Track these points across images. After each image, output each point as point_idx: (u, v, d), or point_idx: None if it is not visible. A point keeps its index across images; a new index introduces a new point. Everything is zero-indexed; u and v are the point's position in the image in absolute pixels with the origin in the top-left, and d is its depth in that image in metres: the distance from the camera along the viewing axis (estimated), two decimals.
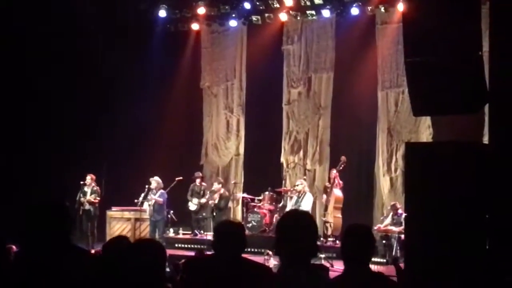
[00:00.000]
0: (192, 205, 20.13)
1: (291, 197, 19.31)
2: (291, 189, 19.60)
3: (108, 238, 19.36)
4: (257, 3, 20.65)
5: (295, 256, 4.55)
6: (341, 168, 18.78)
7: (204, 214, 20.10)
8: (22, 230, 4.47)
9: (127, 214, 20.12)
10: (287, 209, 18.72)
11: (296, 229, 4.61)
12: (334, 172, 18.94)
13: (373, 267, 4.95)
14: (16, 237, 4.71)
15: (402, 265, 9.84)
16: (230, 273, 5.20)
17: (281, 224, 4.79)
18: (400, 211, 17.25)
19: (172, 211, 19.80)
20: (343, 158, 18.80)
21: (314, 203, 19.42)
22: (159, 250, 4.51)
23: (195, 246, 19.19)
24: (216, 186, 20.14)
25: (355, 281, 4.88)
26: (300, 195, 18.74)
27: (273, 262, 15.19)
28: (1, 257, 5.40)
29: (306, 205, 18.42)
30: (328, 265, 14.92)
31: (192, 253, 17.22)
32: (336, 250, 16.49)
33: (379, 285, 5.02)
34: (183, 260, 11.84)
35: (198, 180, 20.43)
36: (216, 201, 19.92)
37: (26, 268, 4.35)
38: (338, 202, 18.72)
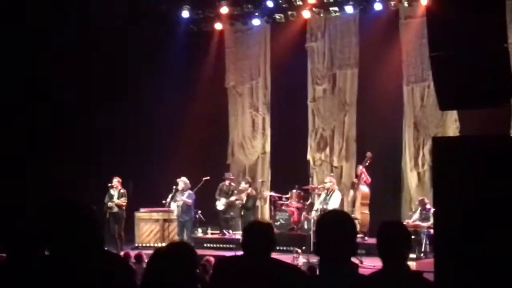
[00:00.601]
0: (220, 205, 20.15)
1: (319, 195, 19.26)
2: (319, 186, 19.56)
3: (136, 239, 19.50)
4: (280, 1, 20.63)
5: (335, 255, 4.54)
6: (367, 164, 18.73)
7: (232, 213, 20.11)
8: (50, 232, 4.46)
9: (155, 215, 20.19)
10: (315, 206, 18.70)
11: (336, 229, 4.60)
12: (360, 168, 18.90)
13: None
14: (41, 240, 4.70)
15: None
16: (260, 274, 5.20)
17: (321, 224, 4.78)
18: (428, 206, 17.17)
19: (200, 211, 19.82)
20: (368, 154, 18.73)
21: (342, 200, 19.36)
22: (191, 253, 4.52)
23: (224, 245, 19.24)
24: (243, 185, 20.14)
25: (393, 278, 4.86)
26: (328, 192, 18.67)
27: (302, 260, 15.22)
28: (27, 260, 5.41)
29: (334, 202, 18.36)
30: (357, 262, 14.90)
31: (221, 253, 17.26)
32: (365, 247, 16.45)
33: (417, 284, 5.00)
34: (206, 257, 11.87)
35: (227, 182, 20.43)
36: (244, 201, 19.91)
37: (54, 272, 4.35)
38: (365, 198, 18.67)
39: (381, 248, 5.03)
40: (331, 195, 18.54)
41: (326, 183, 18.90)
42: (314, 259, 15.56)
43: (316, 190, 19.64)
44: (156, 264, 4.30)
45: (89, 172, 19.42)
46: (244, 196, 19.86)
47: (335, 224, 4.67)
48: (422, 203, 17.63)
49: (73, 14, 19.31)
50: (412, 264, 15.29)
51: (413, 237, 17.05)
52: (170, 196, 19.24)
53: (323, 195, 18.79)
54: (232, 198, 20.06)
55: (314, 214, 18.20)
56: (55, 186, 18.71)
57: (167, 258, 4.24)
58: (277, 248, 14.22)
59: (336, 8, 20.46)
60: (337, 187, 18.99)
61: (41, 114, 19.60)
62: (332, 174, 20.16)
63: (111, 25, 19.41)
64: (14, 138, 18.95)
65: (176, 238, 18.98)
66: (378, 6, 19.62)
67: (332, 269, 4.57)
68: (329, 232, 4.62)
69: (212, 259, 11.35)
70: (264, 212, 21.68)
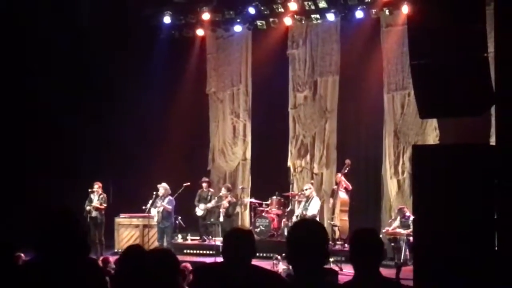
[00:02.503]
0: (199, 211, 20.13)
1: (299, 202, 19.29)
2: (299, 193, 19.59)
3: (116, 245, 19.44)
4: (262, 8, 20.62)
5: (307, 263, 4.56)
6: (345, 171, 18.79)
7: (212, 219, 20.06)
8: (38, 237, 4.44)
9: (135, 221, 20.12)
10: (296, 213, 18.76)
11: (307, 237, 4.62)
12: (339, 175, 18.96)
13: (382, 270, 4.93)
14: (28, 245, 4.69)
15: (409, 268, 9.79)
16: (240, 281, 5.20)
17: (292, 233, 4.80)
18: (407, 213, 17.20)
19: (180, 217, 19.79)
20: (347, 161, 18.80)
21: (322, 207, 19.41)
22: (172, 260, 4.53)
23: (204, 251, 19.23)
24: (223, 191, 20.09)
25: (366, 286, 4.87)
26: (307, 199, 18.72)
27: (281, 267, 15.19)
28: (9, 265, 5.39)
29: (313, 209, 18.42)
30: (337, 269, 14.93)
31: (201, 259, 17.25)
32: (345, 254, 16.50)
33: None
34: (183, 264, 11.84)
35: (204, 185, 20.42)
36: (226, 208, 19.83)
37: (38, 278, 4.34)
38: (344, 205, 18.72)
39: (354, 255, 5.05)
40: (310, 201, 18.60)
41: (305, 190, 18.94)
42: None
43: (296, 197, 19.67)
44: (137, 269, 4.30)
45: (70, 178, 19.37)
46: (226, 203, 19.80)
47: (304, 232, 4.69)
48: (401, 212, 17.66)
49: (54, 18, 19.29)
50: (391, 272, 15.33)
51: (392, 244, 17.14)
52: (150, 201, 19.18)
53: (302, 203, 18.85)
54: (211, 204, 20.01)
55: (294, 221, 18.31)
56: (36, 193, 18.68)
57: (149, 264, 4.25)
58: (257, 254, 14.27)
59: (317, 16, 20.46)
60: (315, 194, 19.04)
61: (22, 120, 19.59)
62: (312, 181, 20.20)
63: (93, 30, 19.40)
64: None
65: (156, 244, 18.95)
66: (359, 14, 19.64)
67: (304, 277, 4.57)
68: (298, 241, 4.63)
69: (189, 265, 11.27)
70: (244, 219, 21.66)
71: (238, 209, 21.20)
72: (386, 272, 5.32)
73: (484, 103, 7.27)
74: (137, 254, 4.75)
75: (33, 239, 4.42)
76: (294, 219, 18.44)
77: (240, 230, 5.90)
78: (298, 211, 18.81)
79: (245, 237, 5.43)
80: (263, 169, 21.54)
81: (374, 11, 19.66)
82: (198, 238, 20.46)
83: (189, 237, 20.63)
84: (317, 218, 17.56)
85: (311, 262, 4.57)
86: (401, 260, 16.68)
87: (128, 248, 5.30)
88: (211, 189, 20.54)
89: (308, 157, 21.24)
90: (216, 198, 20.09)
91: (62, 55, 19.60)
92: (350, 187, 18.90)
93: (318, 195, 19.37)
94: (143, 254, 4.66)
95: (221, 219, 19.68)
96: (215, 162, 22.64)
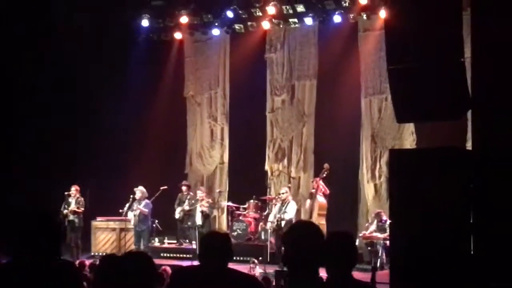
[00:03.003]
0: (177, 214, 20.09)
1: (275, 205, 19.26)
2: (276, 197, 19.57)
3: (93, 248, 19.37)
4: (240, 12, 20.61)
5: (303, 265, 4.56)
6: (324, 175, 18.74)
7: (189, 223, 20.01)
8: (13, 240, 4.43)
9: (112, 224, 20.05)
10: (270, 217, 18.68)
11: (303, 239, 4.63)
12: (316, 179, 18.90)
13: (359, 274, 4.92)
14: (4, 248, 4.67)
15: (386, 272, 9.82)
16: (216, 284, 5.20)
17: (288, 235, 4.80)
18: (384, 217, 17.24)
19: (157, 221, 19.72)
20: (326, 165, 18.76)
21: (298, 211, 19.39)
22: (148, 262, 4.51)
23: (181, 255, 19.18)
24: (200, 194, 20.03)
25: None
26: (284, 203, 18.66)
27: (258, 270, 15.21)
28: None
29: (290, 213, 18.35)
30: None
31: (178, 263, 17.20)
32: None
33: None
34: (163, 267, 11.83)
35: (184, 188, 20.38)
36: (208, 211, 19.75)
37: (11, 281, 4.31)
38: (322, 209, 18.68)
39: (327, 257, 5.05)
40: (287, 205, 18.53)
41: (282, 193, 18.90)
42: (271, 270, 15.58)
43: (274, 201, 19.63)
44: (112, 273, 4.28)
45: (47, 181, 19.28)
46: (206, 205, 19.71)
47: (301, 235, 4.69)
48: (378, 216, 17.68)
49: (35, 21, 19.26)
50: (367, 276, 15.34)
51: (369, 248, 17.18)
52: (127, 205, 19.09)
53: (278, 206, 18.77)
54: (186, 208, 19.94)
55: (269, 225, 18.33)
56: (13, 196, 18.58)
57: (124, 267, 4.23)
58: (234, 258, 14.25)
59: (295, 20, 20.49)
60: (291, 198, 18.97)
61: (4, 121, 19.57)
62: (289, 185, 20.19)
63: (71, 32, 19.35)
64: None
65: (133, 247, 18.88)
66: (337, 19, 19.67)
67: (300, 279, 4.57)
68: (295, 243, 4.63)
69: (168, 268, 11.28)
70: (222, 222, 21.63)
71: (215, 212, 21.18)
72: (363, 276, 5.34)
73: (460, 108, 7.30)
74: (113, 264, 4.73)
75: (8, 242, 4.40)
76: (269, 223, 18.43)
77: (217, 233, 5.90)
78: (272, 215, 18.73)
79: (222, 240, 5.43)
80: (240, 172, 21.53)
81: (351, 15, 19.70)
82: (175, 241, 20.41)
83: (166, 241, 20.59)
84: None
85: (306, 264, 4.57)
86: (378, 264, 16.71)
87: (103, 258, 5.28)
88: (190, 193, 20.47)
89: (285, 161, 21.26)
90: (192, 201, 20.03)
91: (42, 60, 19.54)
92: (328, 192, 18.88)
93: (295, 199, 19.34)
94: (118, 263, 4.65)
95: (199, 222, 19.60)
96: (192, 166, 22.61)
